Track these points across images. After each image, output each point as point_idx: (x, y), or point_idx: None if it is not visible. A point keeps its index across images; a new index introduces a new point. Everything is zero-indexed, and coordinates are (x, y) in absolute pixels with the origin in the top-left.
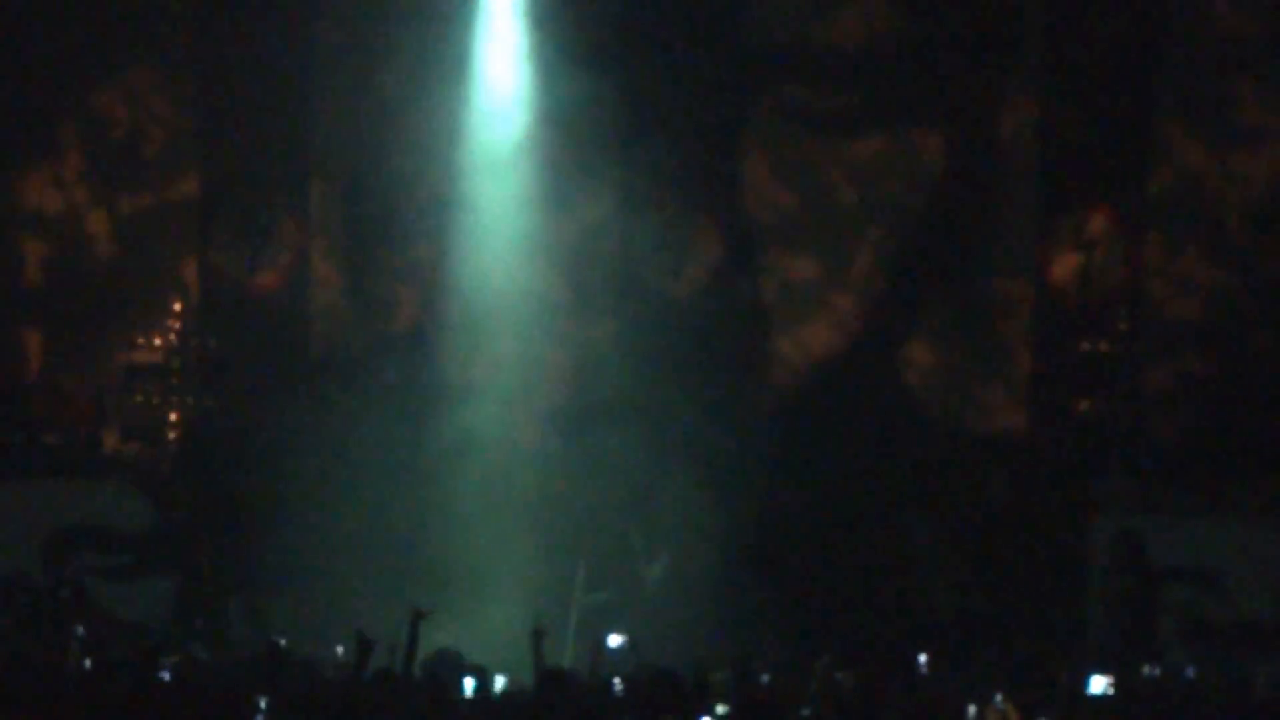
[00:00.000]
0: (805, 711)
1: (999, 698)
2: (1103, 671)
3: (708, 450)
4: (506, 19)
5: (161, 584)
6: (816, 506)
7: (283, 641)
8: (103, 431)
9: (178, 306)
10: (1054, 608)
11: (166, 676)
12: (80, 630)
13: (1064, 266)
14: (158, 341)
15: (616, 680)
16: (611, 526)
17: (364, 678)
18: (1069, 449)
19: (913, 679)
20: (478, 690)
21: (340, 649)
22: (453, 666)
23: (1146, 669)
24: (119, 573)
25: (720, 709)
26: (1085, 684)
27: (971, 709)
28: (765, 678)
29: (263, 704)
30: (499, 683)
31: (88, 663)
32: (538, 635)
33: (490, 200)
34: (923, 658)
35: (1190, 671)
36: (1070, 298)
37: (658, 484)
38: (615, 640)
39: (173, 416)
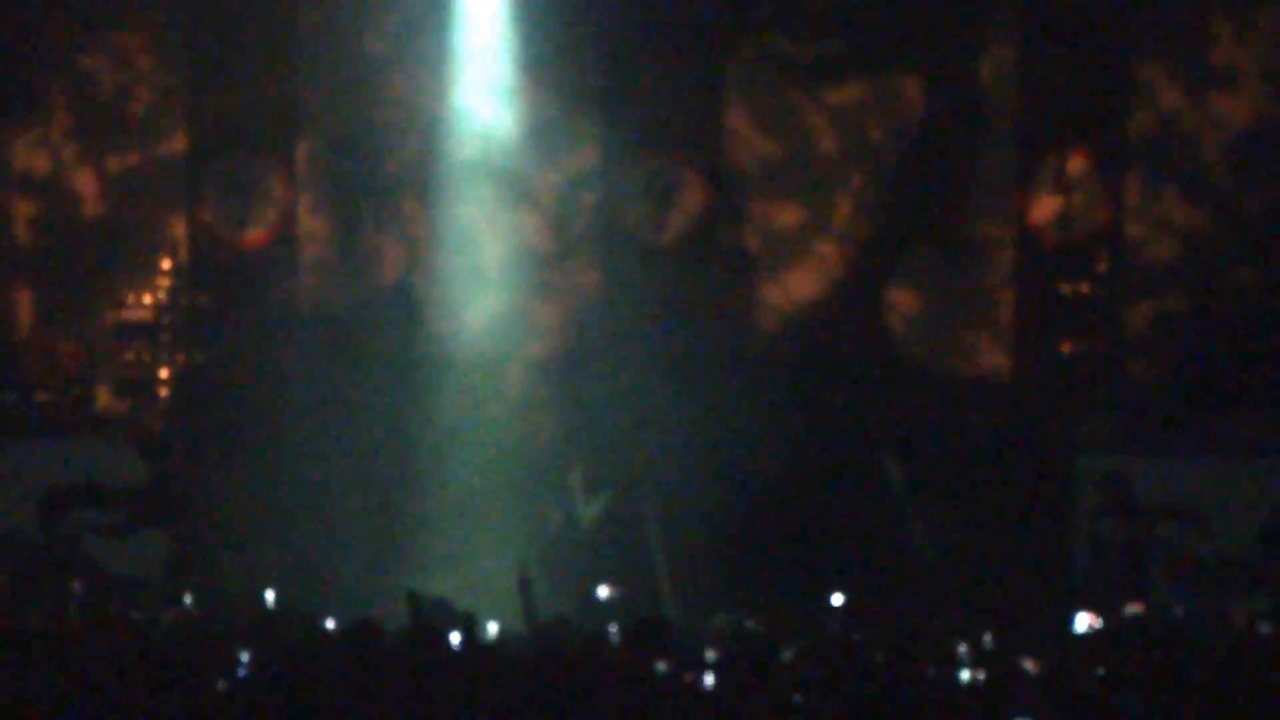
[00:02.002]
0: (791, 655)
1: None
2: (1088, 610)
3: (692, 396)
4: None
5: (155, 539)
6: (801, 451)
7: (271, 595)
8: (94, 389)
9: (167, 264)
10: (1039, 548)
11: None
12: (77, 586)
13: (1044, 209)
14: (147, 299)
15: (611, 628)
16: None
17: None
18: (1052, 390)
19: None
20: (468, 639)
21: (330, 621)
22: (443, 615)
23: (1132, 607)
24: (113, 529)
25: (710, 654)
26: (1070, 622)
27: (962, 647)
28: (751, 623)
29: (244, 658)
30: (491, 630)
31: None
32: (524, 584)
33: (475, 153)
34: (836, 599)
35: (1179, 610)
36: (1051, 240)
37: (642, 429)
38: (605, 591)
39: (163, 373)
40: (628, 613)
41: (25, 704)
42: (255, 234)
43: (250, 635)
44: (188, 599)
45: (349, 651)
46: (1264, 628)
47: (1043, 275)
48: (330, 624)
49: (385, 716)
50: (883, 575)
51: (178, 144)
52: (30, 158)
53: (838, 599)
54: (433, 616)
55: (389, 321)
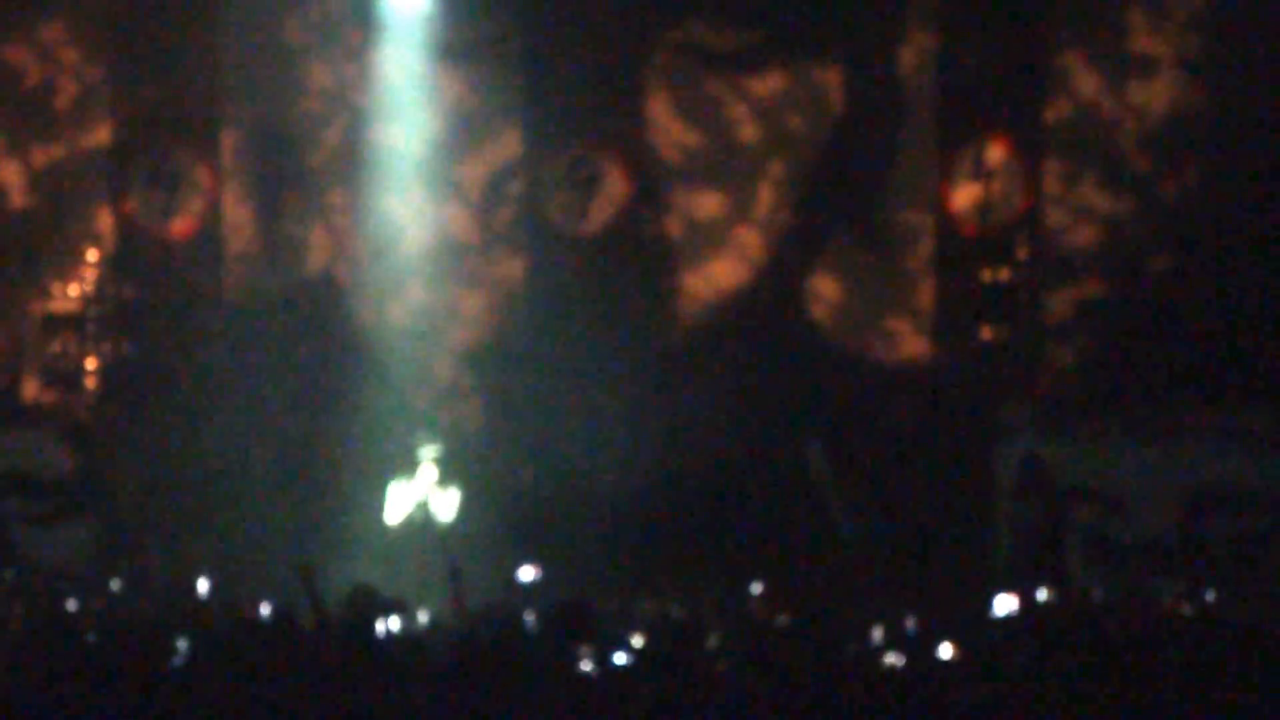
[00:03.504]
0: (714, 641)
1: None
2: (1008, 593)
3: (615, 384)
4: None
5: (83, 529)
6: (723, 438)
7: (203, 583)
8: (21, 380)
9: (93, 255)
10: (959, 532)
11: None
12: (6, 575)
13: (964, 197)
14: (74, 290)
15: (528, 614)
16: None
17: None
18: (972, 376)
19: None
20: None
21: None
22: (371, 603)
23: (1050, 590)
24: (41, 518)
25: (636, 640)
26: (990, 606)
27: (877, 631)
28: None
29: (181, 646)
30: (421, 618)
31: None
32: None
33: (398, 143)
34: (755, 588)
35: (1098, 593)
36: (971, 227)
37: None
38: (527, 574)
39: (90, 363)
40: (547, 595)
41: None
42: (181, 225)
43: (183, 624)
44: (116, 587)
45: (275, 639)
46: (1185, 609)
47: (963, 262)
48: (265, 611)
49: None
50: (805, 561)
51: (102, 136)
52: None
53: (757, 588)
54: (363, 603)
55: (314, 311)
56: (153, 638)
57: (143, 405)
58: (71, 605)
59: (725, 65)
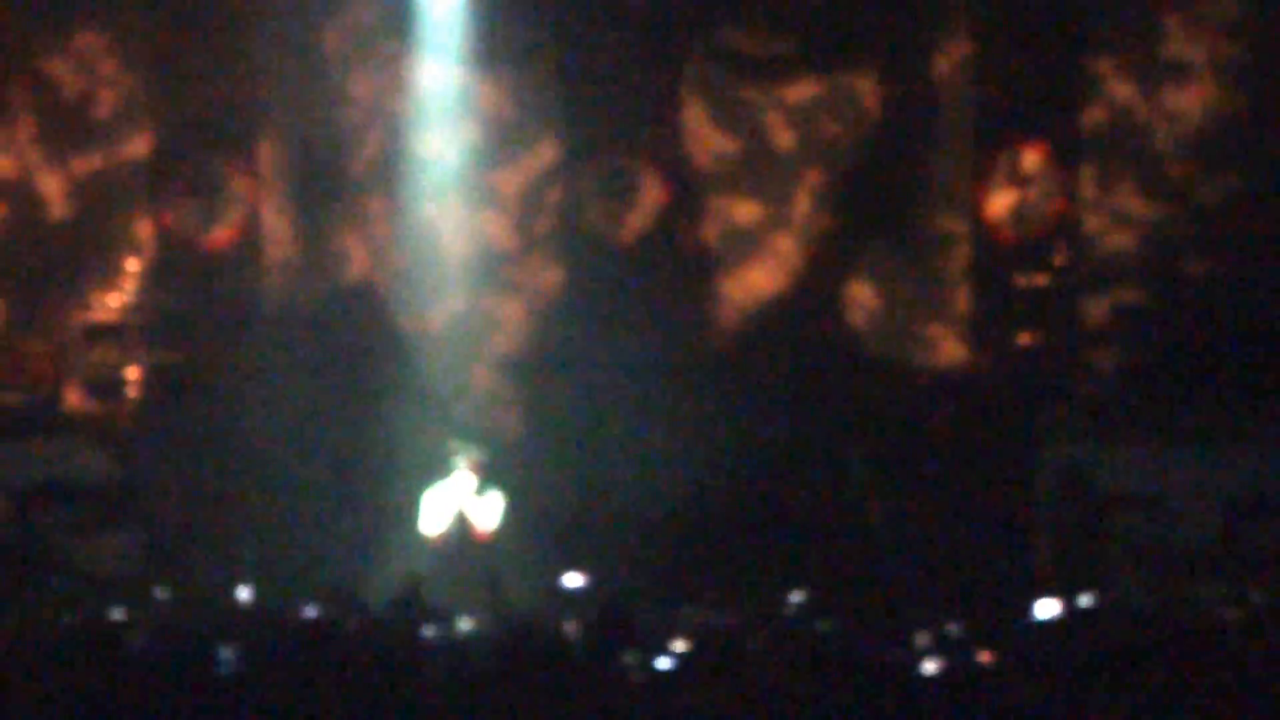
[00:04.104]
0: (756, 647)
1: None
2: (1049, 598)
3: (654, 392)
4: None
5: (126, 537)
6: (763, 445)
7: (245, 591)
8: (63, 390)
9: (133, 265)
10: (1000, 538)
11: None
12: (51, 584)
13: (1000, 203)
14: (114, 300)
15: (571, 623)
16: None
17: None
18: (1011, 381)
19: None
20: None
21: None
22: (416, 608)
23: (1091, 596)
24: (83, 527)
25: (680, 646)
26: (1031, 611)
27: (919, 637)
28: (722, 615)
29: (226, 654)
30: (464, 625)
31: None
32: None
33: (436, 153)
34: (796, 595)
35: (1139, 598)
36: (1007, 233)
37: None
38: (573, 580)
39: (131, 373)
40: (592, 602)
41: (8, 706)
42: (220, 234)
43: (228, 631)
44: (160, 596)
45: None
46: (1227, 614)
47: (1000, 268)
48: (309, 615)
49: (358, 709)
50: (846, 567)
51: (142, 146)
52: None
53: (798, 595)
54: (408, 610)
55: (353, 320)
56: (198, 645)
57: (184, 414)
58: (116, 614)
59: (761, 73)
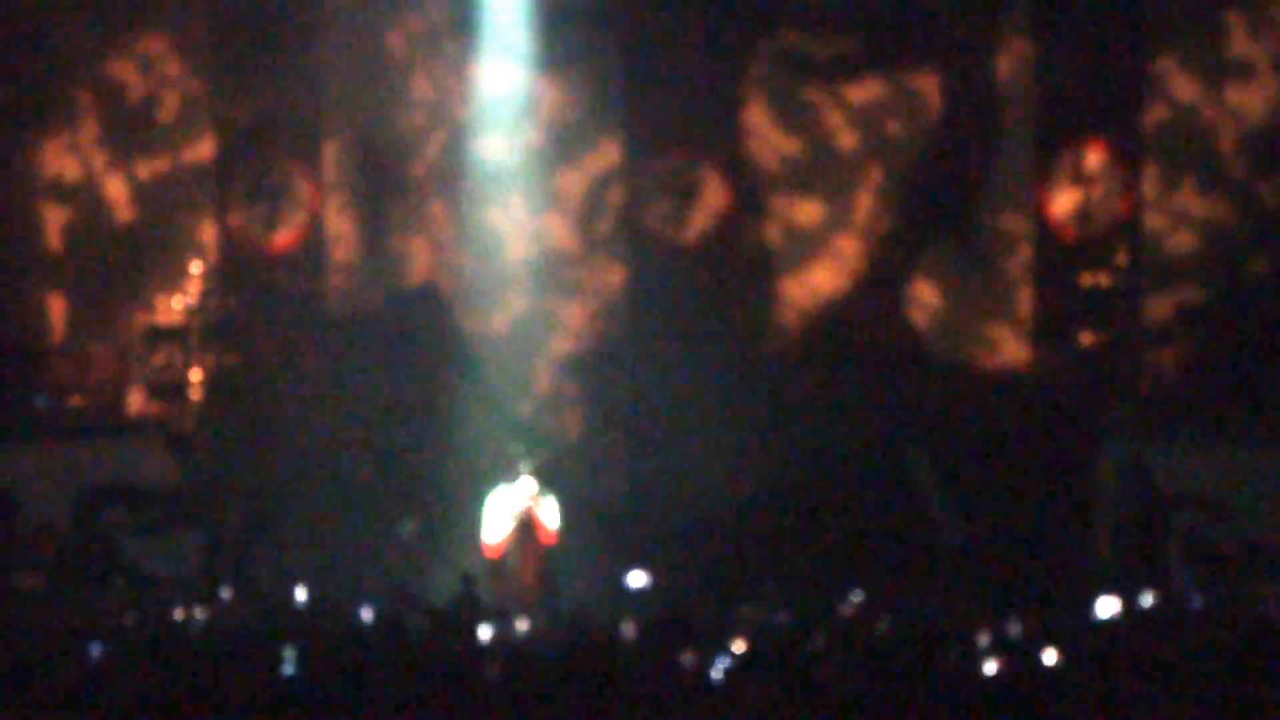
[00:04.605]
0: (816, 647)
1: None
2: (1110, 597)
3: (717, 391)
4: None
5: (188, 539)
6: (825, 444)
7: (302, 592)
8: (126, 392)
9: (196, 268)
10: (1061, 536)
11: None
12: (115, 584)
13: (1063, 202)
14: (177, 303)
15: (629, 623)
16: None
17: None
18: (1073, 381)
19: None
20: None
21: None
22: (473, 608)
23: (1151, 596)
24: (147, 528)
25: (738, 646)
26: (1092, 610)
27: (980, 636)
28: (782, 615)
29: (289, 655)
30: (521, 625)
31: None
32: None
33: (498, 154)
34: (856, 594)
35: (1198, 598)
36: (1070, 233)
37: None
38: (637, 579)
39: (194, 375)
40: (653, 602)
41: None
42: (283, 237)
43: (288, 631)
44: (222, 596)
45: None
46: None
47: (1062, 268)
48: (367, 615)
49: (415, 707)
50: (907, 566)
51: (206, 149)
52: (60, 165)
53: (858, 594)
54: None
55: (416, 321)
56: (260, 646)
57: (246, 416)
58: (179, 614)
59: (823, 73)
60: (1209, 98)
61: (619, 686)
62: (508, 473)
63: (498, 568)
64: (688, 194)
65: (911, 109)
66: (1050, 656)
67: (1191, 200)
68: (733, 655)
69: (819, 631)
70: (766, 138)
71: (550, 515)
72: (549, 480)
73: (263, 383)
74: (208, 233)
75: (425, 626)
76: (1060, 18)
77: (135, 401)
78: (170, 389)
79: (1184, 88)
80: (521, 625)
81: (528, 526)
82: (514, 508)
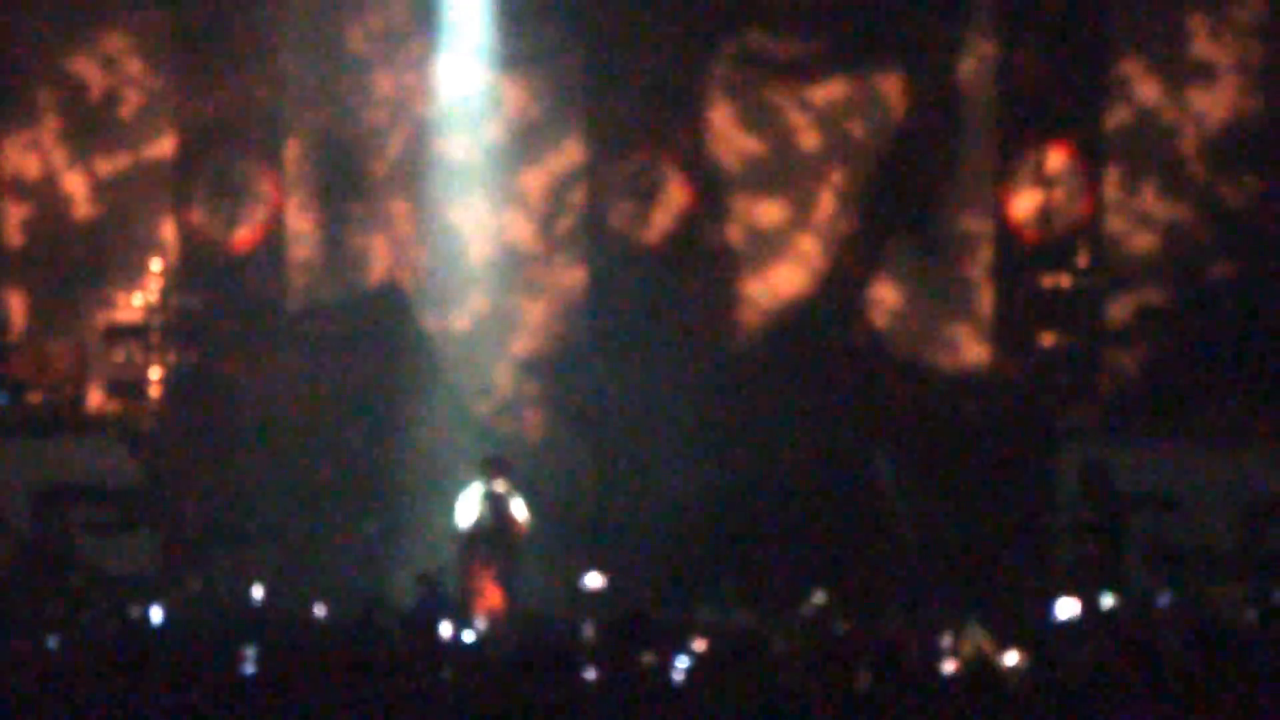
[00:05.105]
0: (777, 648)
1: (974, 623)
2: (1069, 598)
3: (676, 391)
4: None
5: (147, 537)
6: (785, 445)
7: (259, 591)
8: (86, 390)
9: (156, 265)
10: (1020, 537)
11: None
12: (72, 582)
13: (1024, 203)
14: (137, 300)
15: (587, 623)
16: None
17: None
18: (1033, 382)
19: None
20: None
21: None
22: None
23: (1111, 596)
24: (106, 527)
25: (698, 645)
26: (1052, 610)
27: (946, 638)
28: (743, 615)
29: (249, 654)
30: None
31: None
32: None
33: (460, 152)
34: (817, 598)
35: (1159, 598)
36: (1031, 234)
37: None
38: (594, 580)
39: (154, 373)
40: (611, 603)
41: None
42: (244, 235)
43: (247, 631)
44: (180, 595)
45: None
46: (1246, 615)
47: (1023, 269)
48: (320, 613)
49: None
50: (868, 567)
51: (166, 146)
52: (20, 161)
53: (820, 595)
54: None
55: (377, 320)
56: (219, 645)
57: (206, 414)
58: (136, 613)
59: (786, 74)
60: (1170, 100)
61: (578, 687)
62: (477, 468)
63: (466, 558)
64: (650, 193)
65: (874, 109)
66: (1010, 658)
67: (1153, 202)
68: (693, 655)
69: (779, 632)
70: (729, 138)
71: (519, 508)
72: (511, 480)
73: (222, 381)
74: (168, 230)
75: (390, 626)
76: (1023, 20)
77: (95, 399)
78: (130, 387)
79: (1146, 90)
80: (480, 625)
81: (499, 517)
82: (484, 499)
